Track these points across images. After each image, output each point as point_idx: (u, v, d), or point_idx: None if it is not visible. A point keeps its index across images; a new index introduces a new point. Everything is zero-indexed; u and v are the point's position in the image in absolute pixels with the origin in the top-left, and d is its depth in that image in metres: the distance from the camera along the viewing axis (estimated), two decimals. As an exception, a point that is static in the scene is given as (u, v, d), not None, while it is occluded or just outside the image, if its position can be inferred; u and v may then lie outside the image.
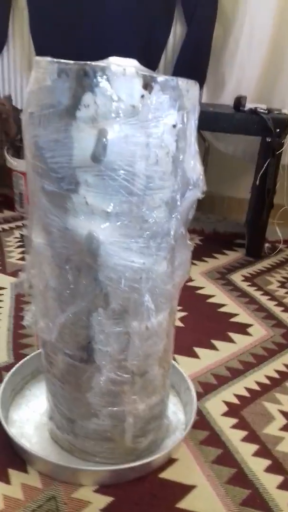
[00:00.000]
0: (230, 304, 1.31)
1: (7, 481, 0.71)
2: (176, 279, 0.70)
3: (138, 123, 0.55)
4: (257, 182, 1.55)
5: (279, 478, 0.75)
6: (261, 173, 1.51)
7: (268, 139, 1.46)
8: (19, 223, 1.78)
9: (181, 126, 0.59)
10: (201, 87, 1.84)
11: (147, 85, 0.54)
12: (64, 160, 0.58)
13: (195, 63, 1.78)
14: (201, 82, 1.82)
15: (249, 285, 1.43)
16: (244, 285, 1.43)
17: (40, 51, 1.83)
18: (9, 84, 1.97)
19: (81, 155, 0.57)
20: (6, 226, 1.74)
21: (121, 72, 0.53)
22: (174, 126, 0.57)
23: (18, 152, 1.79)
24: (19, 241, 1.62)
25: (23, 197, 1.80)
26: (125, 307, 0.66)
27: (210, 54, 1.80)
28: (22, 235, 1.65)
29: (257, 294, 1.37)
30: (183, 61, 1.78)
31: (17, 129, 1.77)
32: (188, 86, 0.58)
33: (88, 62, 0.53)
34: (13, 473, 0.73)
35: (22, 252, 1.53)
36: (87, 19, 1.73)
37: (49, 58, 0.57)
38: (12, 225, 1.77)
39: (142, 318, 0.67)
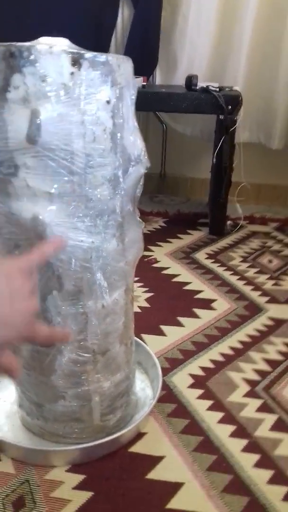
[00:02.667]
0: (194, 282, 1.33)
1: (-22, 470, 0.72)
2: (128, 256, 0.71)
3: (71, 101, 0.55)
4: (214, 160, 1.57)
5: (244, 442, 0.78)
6: (216, 151, 1.52)
7: (221, 117, 1.48)
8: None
9: (116, 102, 0.59)
10: (153, 68, 1.84)
11: (76, 62, 0.54)
12: (1, 144, 0.57)
13: (145, 45, 1.77)
14: (153, 63, 1.82)
15: (212, 262, 1.46)
16: (208, 263, 1.45)
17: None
18: None
19: (17, 137, 0.56)
20: None
21: (48, 51, 0.53)
22: (108, 102, 0.58)
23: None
24: None
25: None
26: (79, 287, 0.66)
27: (159, 35, 1.79)
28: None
29: (220, 270, 1.40)
30: (133, 43, 1.77)
31: None
32: (119, 61, 0.58)
33: (14, 43, 0.53)
34: (-17, 462, 0.73)
35: None
36: (34, 3, 1.70)
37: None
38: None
39: (97, 297, 0.68)
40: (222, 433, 0.79)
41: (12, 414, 0.83)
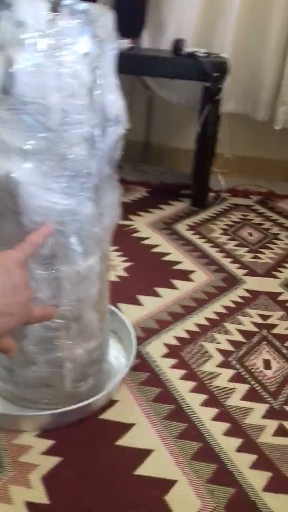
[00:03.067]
0: (174, 253, 1.31)
1: None
2: (105, 221, 0.69)
3: (48, 51, 0.52)
4: (199, 129, 1.53)
5: (214, 411, 0.78)
6: (201, 120, 1.49)
7: (207, 84, 1.44)
8: None
9: (95, 56, 0.56)
10: (140, 30, 1.77)
11: (54, 8, 0.51)
12: (-27, 94, 0.54)
13: (133, 5, 1.70)
14: (140, 25, 1.75)
15: (193, 234, 1.44)
16: (188, 234, 1.44)
17: None
18: None
19: (-10, 88, 0.53)
20: None
21: (25, -6, 0.49)
22: (86, 54, 0.55)
23: None
24: None
25: None
26: (53, 251, 0.64)
27: (148, -3, 1.72)
28: None
29: (200, 242, 1.39)
30: (120, 4, 1.69)
31: None
32: (99, 11, 0.55)
33: (-13, -18, 0.49)
34: None
35: None
36: None
37: None
38: None
39: (71, 262, 0.66)
40: (193, 401, 0.80)
41: (-17, 379, 0.82)
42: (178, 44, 1.47)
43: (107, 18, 0.57)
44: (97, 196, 0.65)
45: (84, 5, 0.52)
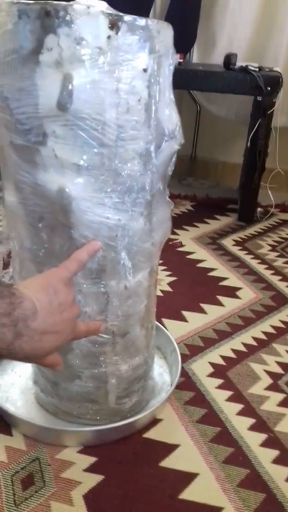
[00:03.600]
0: (220, 268, 1.29)
1: (-11, 444, 0.71)
2: (155, 237, 0.68)
3: (106, 67, 0.52)
4: (248, 144, 1.51)
5: (263, 436, 0.75)
6: (252, 134, 1.47)
7: (259, 98, 1.41)
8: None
9: (153, 71, 0.55)
10: (191, 46, 1.78)
11: (114, 25, 0.51)
12: (30, 110, 0.55)
13: (184, 20, 1.71)
14: (191, 40, 1.76)
15: (240, 249, 1.41)
16: (235, 250, 1.41)
17: None
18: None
19: (47, 103, 0.53)
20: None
21: (85, 11, 0.50)
22: (145, 70, 0.54)
23: None
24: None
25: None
26: (102, 266, 0.64)
27: (200, 12, 1.72)
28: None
29: (248, 258, 1.36)
30: (171, 18, 1.70)
31: None
32: (159, 27, 0.55)
33: (50, 1, 0.50)
34: (-4, 436, 0.73)
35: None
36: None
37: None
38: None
39: (120, 277, 0.65)
40: (240, 425, 0.77)
41: (27, 390, 0.82)
42: (230, 59, 1.46)
43: (166, 33, 0.56)
44: (149, 212, 0.64)
45: (143, 21, 0.52)
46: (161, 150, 0.61)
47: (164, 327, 0.96)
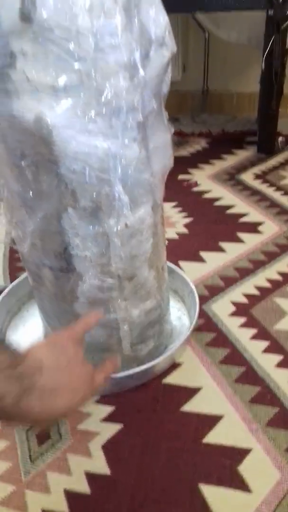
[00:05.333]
0: (239, 205, 1.21)
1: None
2: (154, 166, 0.61)
3: None
4: (263, 66, 1.38)
5: (292, 373, 0.70)
6: (265, 54, 1.33)
7: (271, 12, 1.27)
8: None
9: None
10: None
11: None
12: (-8, 26, 0.47)
13: None
14: None
15: (261, 183, 1.32)
16: (256, 184, 1.32)
17: None
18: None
19: (9, 16, 0.46)
20: None
21: None
22: None
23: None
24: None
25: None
26: (97, 204, 0.57)
27: None
28: None
29: (270, 191, 1.26)
30: None
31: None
32: None
33: None
34: (9, 392, 0.70)
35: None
36: None
37: None
38: None
39: (119, 215, 0.59)
40: (267, 363, 0.72)
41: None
42: None
43: None
44: (143, 136, 0.57)
45: None
46: (149, 59, 0.53)
47: (181, 269, 0.90)
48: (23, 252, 0.66)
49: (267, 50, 1.33)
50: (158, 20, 0.52)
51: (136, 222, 0.61)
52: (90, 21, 0.47)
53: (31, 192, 0.58)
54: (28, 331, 0.83)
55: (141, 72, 0.52)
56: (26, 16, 0.45)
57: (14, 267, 1.00)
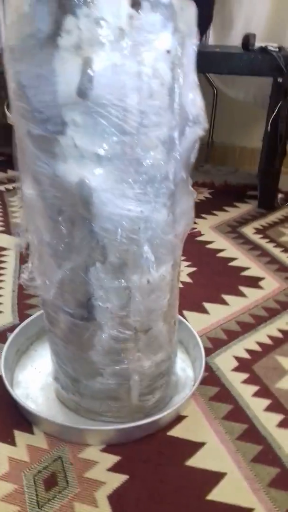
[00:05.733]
0: (241, 258, 1.25)
1: (12, 442, 0.70)
2: (178, 228, 0.65)
3: (127, 48, 0.48)
4: (269, 128, 1.46)
5: (293, 433, 0.72)
6: (272, 117, 1.41)
7: (279, 80, 1.36)
8: (21, 182, 1.73)
9: (177, 52, 0.52)
10: (208, 27, 1.72)
11: (135, 3, 0.47)
12: (48, 98, 0.52)
13: (200, 1, 1.64)
14: (208, 20, 1.69)
15: (261, 238, 1.37)
16: (256, 238, 1.37)
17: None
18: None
19: (66, 90, 0.50)
20: (9, 186, 1.69)
21: (105, -12, 0.46)
22: (168, 51, 0.51)
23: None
24: (22, 200, 1.57)
25: (24, 154, 1.74)
26: (124, 260, 0.61)
27: (216, -10, 1.66)
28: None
29: (270, 247, 1.32)
30: None
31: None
32: (182, 4, 0.51)
33: (66, -22, 0.46)
34: (18, 435, 0.71)
35: (25, 211, 1.49)
36: None
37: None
38: (16, 185, 1.71)
39: (143, 272, 0.62)
40: (269, 422, 0.74)
41: (47, 386, 0.81)
42: (248, 39, 1.39)
43: (189, 11, 0.53)
44: (172, 202, 0.61)
45: (166, -2, 0.49)
46: (185, 136, 0.58)
47: (186, 319, 0.93)
48: (46, 299, 0.68)
49: (273, 114, 1.41)
50: (195, 102, 0.57)
51: (158, 279, 0.65)
52: (138, 101, 0.51)
53: (62, 245, 0.61)
54: (37, 371, 0.84)
55: (178, 147, 0.57)
56: (82, 92, 0.50)
57: (23, 304, 1.02)
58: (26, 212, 0.65)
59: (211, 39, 1.76)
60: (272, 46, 1.39)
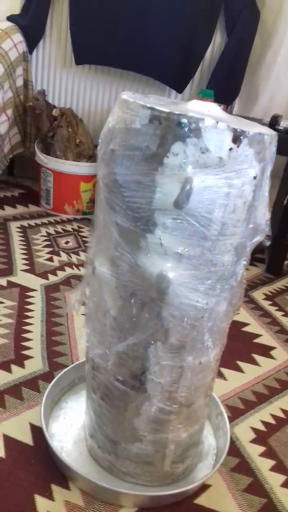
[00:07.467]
0: (253, 324, 1.33)
1: (50, 497, 0.74)
2: (230, 316, 0.72)
3: (223, 174, 0.56)
4: (285, 202, 1.56)
5: (310, 513, 0.78)
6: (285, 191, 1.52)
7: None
8: (45, 220, 1.78)
9: (260, 177, 0.60)
10: (234, 99, 1.84)
11: (237, 139, 0.55)
12: (144, 201, 0.59)
13: (231, 74, 1.78)
14: (235, 93, 1.83)
15: (270, 304, 1.45)
16: (266, 304, 1.45)
17: (77, 48, 1.82)
18: (43, 79, 1.95)
19: (163, 199, 0.58)
20: (32, 222, 1.74)
21: (214, 125, 0.54)
22: (254, 177, 0.59)
23: (47, 148, 1.79)
24: (46, 240, 1.63)
25: (51, 194, 1.80)
26: (183, 343, 0.67)
27: (247, 66, 1.79)
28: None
29: (279, 315, 1.40)
30: (220, 72, 1.77)
31: (49, 125, 1.76)
32: (271, 139, 0.59)
33: (182, 113, 0.54)
34: (56, 489, 0.75)
35: (51, 253, 1.54)
36: (129, 20, 1.71)
37: (137, 99, 0.58)
38: (38, 221, 1.77)
39: (198, 354, 0.69)
40: (285, 498, 0.80)
41: (79, 441, 0.85)
42: (276, 120, 1.51)
43: (274, 143, 0.61)
44: (232, 296, 0.68)
45: (262, 136, 0.57)
46: (252, 242, 0.66)
47: (207, 385, 0.99)
48: (101, 365, 0.74)
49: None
50: (265, 215, 0.65)
51: (208, 361, 0.71)
52: (222, 215, 0.59)
53: (130, 323, 0.67)
54: (69, 423, 0.88)
55: (247, 250, 0.65)
56: (179, 205, 0.57)
57: (52, 351, 1.06)
58: (93, 284, 0.71)
59: (236, 109, 1.89)
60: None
